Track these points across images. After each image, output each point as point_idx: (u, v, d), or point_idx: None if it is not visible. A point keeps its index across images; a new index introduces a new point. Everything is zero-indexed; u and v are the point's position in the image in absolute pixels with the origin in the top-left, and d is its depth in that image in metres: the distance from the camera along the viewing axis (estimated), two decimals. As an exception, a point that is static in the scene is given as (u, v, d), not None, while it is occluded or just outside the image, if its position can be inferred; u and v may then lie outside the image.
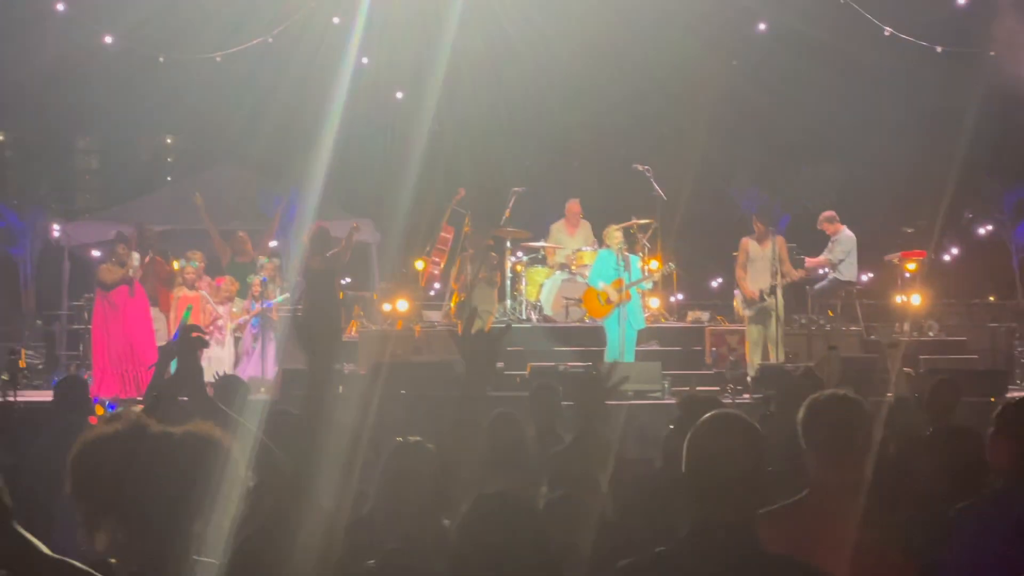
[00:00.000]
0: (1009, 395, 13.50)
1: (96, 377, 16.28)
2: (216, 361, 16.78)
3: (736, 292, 17.14)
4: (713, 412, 3.94)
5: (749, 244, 17.01)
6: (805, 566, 3.79)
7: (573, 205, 20.01)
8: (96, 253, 23.67)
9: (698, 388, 14.91)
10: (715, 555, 3.62)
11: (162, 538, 3.19)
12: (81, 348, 20.26)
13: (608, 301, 16.74)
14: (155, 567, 3.18)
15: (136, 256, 16.71)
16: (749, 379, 16.12)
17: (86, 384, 7.77)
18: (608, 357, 16.37)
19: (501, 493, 3.95)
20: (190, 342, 5.59)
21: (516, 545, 3.82)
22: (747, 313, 16.90)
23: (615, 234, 17.24)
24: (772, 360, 16.14)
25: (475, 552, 3.80)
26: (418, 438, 5.50)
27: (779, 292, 16.56)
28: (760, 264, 16.79)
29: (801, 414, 4.73)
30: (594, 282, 17.15)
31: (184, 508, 3.21)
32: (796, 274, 17.08)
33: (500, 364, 16.11)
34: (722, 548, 3.63)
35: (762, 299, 16.53)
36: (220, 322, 17.06)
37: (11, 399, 14.99)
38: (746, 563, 3.62)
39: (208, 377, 16.43)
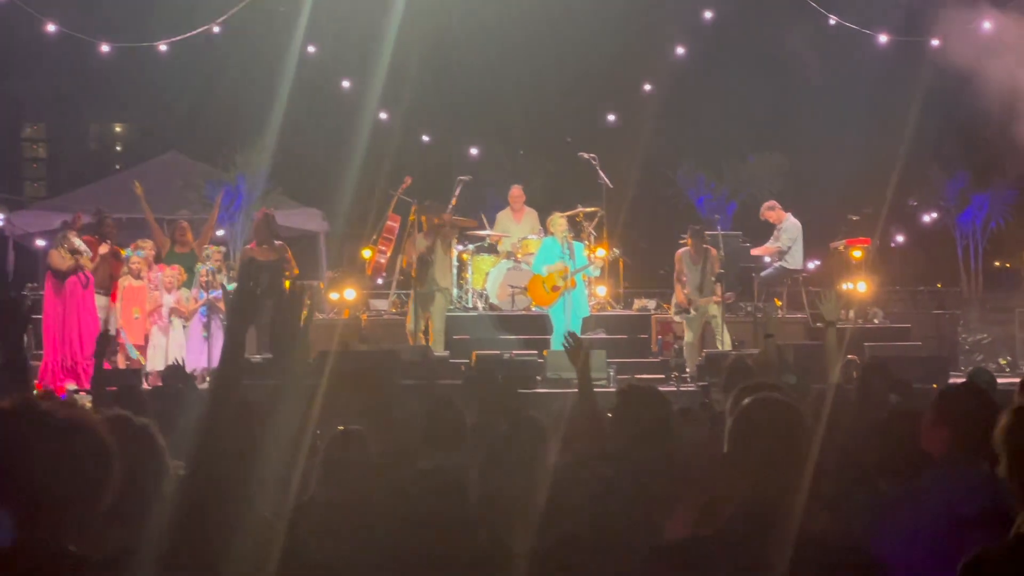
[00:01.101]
0: (952, 381, 13.60)
1: (48, 366, 16.12)
2: (160, 349, 16.70)
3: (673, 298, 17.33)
4: (757, 395, 3.96)
5: (683, 262, 17.13)
6: (852, 548, 3.80)
7: (515, 190, 20.06)
8: (41, 243, 23.44)
9: (650, 376, 15.05)
10: (759, 537, 3.62)
11: (24, 519, 3.13)
12: (26, 339, 20.03)
13: (555, 288, 16.80)
14: (14, 546, 3.12)
15: (86, 249, 16.53)
16: (690, 367, 16.28)
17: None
18: (554, 345, 16.43)
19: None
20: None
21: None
22: (681, 319, 17.07)
23: (559, 222, 17.32)
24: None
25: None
26: (357, 427, 5.53)
27: (716, 307, 16.68)
28: (693, 279, 16.94)
29: (729, 403, 4.77)
30: (538, 269, 17.20)
31: (53, 493, 3.15)
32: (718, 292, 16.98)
33: (446, 352, 16.19)
34: (766, 530, 3.63)
35: (688, 312, 16.73)
36: (164, 310, 16.89)
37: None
38: (791, 545, 3.60)
39: (157, 366, 16.38)
